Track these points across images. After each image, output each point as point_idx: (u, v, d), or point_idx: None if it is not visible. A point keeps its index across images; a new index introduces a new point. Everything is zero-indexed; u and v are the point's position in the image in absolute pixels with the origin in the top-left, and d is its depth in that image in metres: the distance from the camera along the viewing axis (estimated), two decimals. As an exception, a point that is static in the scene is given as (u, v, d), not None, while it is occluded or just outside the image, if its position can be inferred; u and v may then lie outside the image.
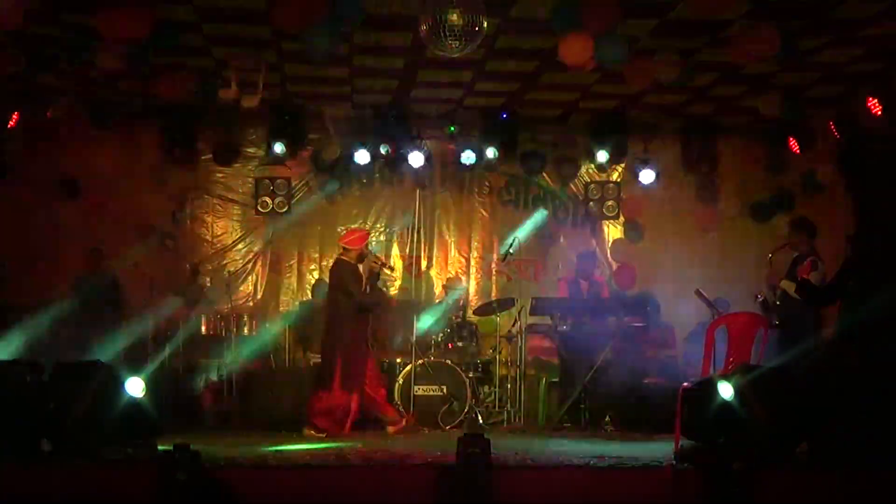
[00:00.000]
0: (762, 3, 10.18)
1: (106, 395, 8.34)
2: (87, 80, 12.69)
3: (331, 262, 14.58)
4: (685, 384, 9.56)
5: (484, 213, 15.39)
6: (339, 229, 14.99)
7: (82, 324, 12.63)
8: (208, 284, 14.34)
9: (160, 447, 8.10)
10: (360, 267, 11.94)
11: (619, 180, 15.43)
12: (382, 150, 14.40)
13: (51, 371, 8.56)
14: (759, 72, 12.25)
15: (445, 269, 15.20)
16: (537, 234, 15.15)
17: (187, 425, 11.72)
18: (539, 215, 15.19)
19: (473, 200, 15.39)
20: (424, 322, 13.25)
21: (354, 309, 11.69)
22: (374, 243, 14.56)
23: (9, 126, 13.13)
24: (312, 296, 14.13)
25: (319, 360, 12.10)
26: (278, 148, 14.24)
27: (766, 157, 15.03)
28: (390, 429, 11.66)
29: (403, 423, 11.79)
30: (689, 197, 15.35)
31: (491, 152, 14.45)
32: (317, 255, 15.10)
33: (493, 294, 14.96)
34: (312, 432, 11.23)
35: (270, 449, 9.19)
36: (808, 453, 8.29)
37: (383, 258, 13.46)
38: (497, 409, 13.19)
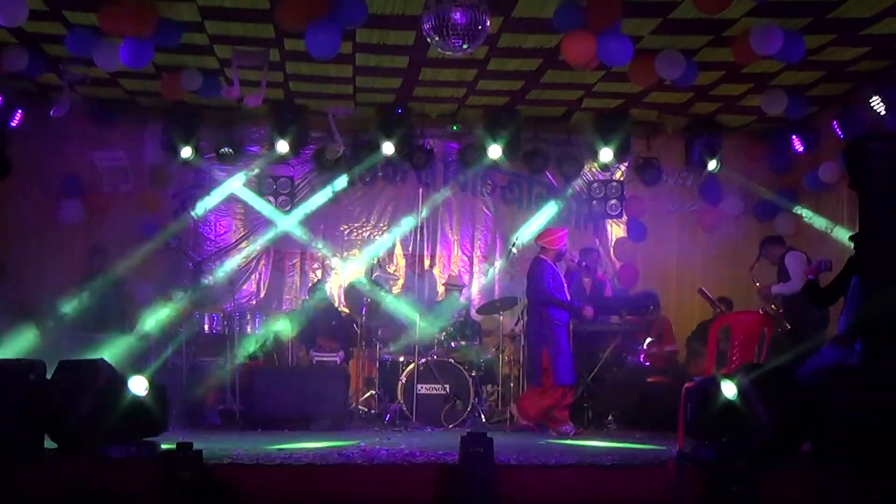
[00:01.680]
0: (765, 2, 10.17)
1: (109, 394, 8.34)
2: (90, 79, 12.70)
3: (333, 260, 14.70)
4: (688, 383, 9.56)
5: (487, 211, 15.38)
6: (341, 227, 15.02)
7: (85, 322, 12.64)
8: (211, 283, 14.34)
9: (163, 446, 8.10)
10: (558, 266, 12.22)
11: (622, 179, 15.43)
12: (385, 150, 14.39)
13: (54, 369, 8.56)
14: (763, 70, 12.25)
15: (448, 268, 15.19)
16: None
17: (190, 424, 11.75)
18: (552, 206, 15.14)
19: (476, 199, 15.38)
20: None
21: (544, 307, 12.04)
22: (376, 242, 14.58)
23: (12, 125, 13.13)
24: (310, 296, 14.11)
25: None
26: (281, 146, 14.23)
27: (770, 156, 15.03)
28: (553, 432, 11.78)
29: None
30: (693, 196, 15.34)
31: (494, 151, 14.44)
32: (320, 255, 15.09)
33: (497, 293, 14.95)
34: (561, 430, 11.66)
35: (273, 448, 9.19)
36: (812, 452, 8.29)
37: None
38: (500, 407, 13.23)
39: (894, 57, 11.86)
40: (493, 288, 15.18)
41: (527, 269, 12.50)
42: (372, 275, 13.88)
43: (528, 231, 14.68)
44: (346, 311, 14.20)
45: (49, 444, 8.32)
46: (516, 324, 13.27)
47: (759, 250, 12.41)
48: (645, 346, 13.29)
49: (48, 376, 8.46)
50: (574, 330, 12.58)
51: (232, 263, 14.78)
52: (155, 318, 12.50)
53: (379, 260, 13.75)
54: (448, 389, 12.49)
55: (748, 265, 12.27)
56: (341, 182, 14.85)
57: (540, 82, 13.16)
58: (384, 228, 15.19)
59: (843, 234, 12.78)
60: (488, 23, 9.20)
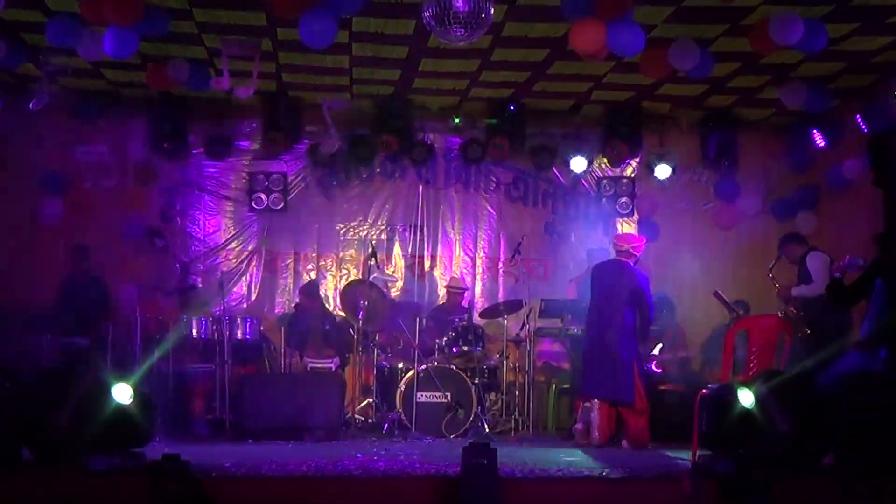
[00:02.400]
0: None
1: (91, 402, 8.34)
2: (72, 70, 12.69)
3: (329, 262, 14.70)
4: (703, 391, 9.55)
5: (490, 209, 15.37)
6: (337, 227, 15.01)
7: (66, 326, 12.63)
8: (199, 285, 14.34)
9: (149, 457, 8.09)
10: None
11: (633, 176, 15.42)
12: (384, 144, 14.39)
13: (33, 376, 8.55)
14: (782, 61, 12.24)
15: (450, 269, 15.19)
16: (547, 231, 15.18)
17: (177, 434, 11.74)
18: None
19: (480, 197, 15.37)
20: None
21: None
22: (374, 242, 14.57)
23: (-11, 118, 13.15)
24: (302, 295, 14.11)
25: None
26: (274, 141, 14.25)
27: (790, 152, 15.01)
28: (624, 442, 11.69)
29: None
30: (708, 194, 15.33)
31: (498, 146, 14.43)
32: (314, 255, 15.09)
33: (501, 296, 14.95)
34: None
35: (265, 458, 9.17)
36: (834, 464, 8.28)
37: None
38: (504, 417, 13.23)
39: (922, 47, 11.87)
40: (497, 290, 15.18)
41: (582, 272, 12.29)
42: (369, 276, 13.86)
43: (535, 228, 14.72)
44: (342, 314, 14.19)
45: (27, 455, 8.31)
46: (521, 328, 13.27)
47: (779, 249, 12.40)
48: (657, 353, 13.28)
49: (27, 383, 8.45)
50: (582, 336, 12.58)
51: (221, 264, 14.78)
52: (140, 323, 12.47)
53: (376, 261, 13.72)
54: (449, 397, 12.49)
55: (767, 266, 12.26)
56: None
57: (547, 74, 13.15)
58: (382, 227, 15.19)
59: (867, 234, 12.77)
60: (492, 10, 9.20)
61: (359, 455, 9.80)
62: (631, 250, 11.92)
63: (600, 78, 13.29)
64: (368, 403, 13.24)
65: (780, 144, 15.10)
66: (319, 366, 13.17)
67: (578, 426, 11.73)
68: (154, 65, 12.54)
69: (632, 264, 11.84)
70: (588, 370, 11.73)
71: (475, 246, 15.37)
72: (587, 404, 11.68)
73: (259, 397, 12.08)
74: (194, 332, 12.87)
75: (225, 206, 15.02)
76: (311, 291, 14.04)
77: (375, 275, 13.87)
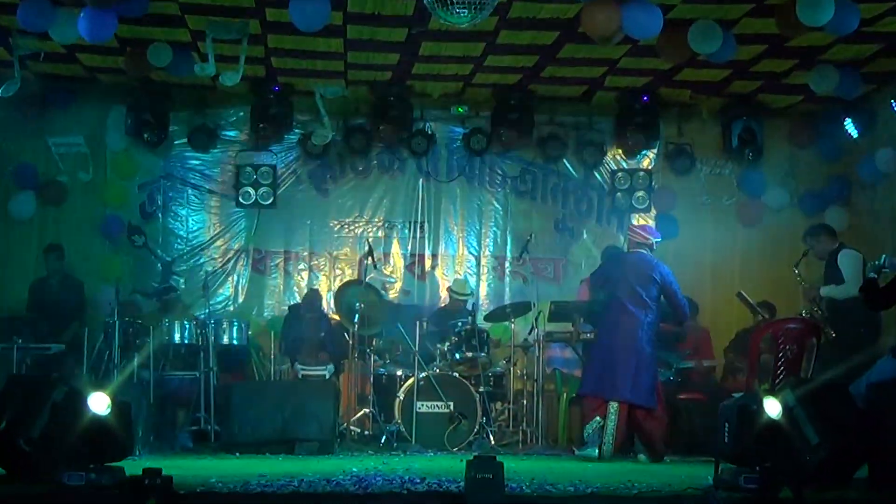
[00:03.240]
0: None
1: (66, 413, 8.31)
2: (44, 55, 12.69)
3: (322, 261, 14.68)
4: (726, 400, 9.53)
5: (496, 205, 15.35)
6: (331, 223, 14.99)
7: (39, 332, 12.63)
8: (182, 286, 14.34)
9: (128, 472, 8.08)
10: None
11: (650, 168, 15.41)
12: (381, 135, 14.39)
13: (3, 385, 8.54)
14: (811, 44, 12.22)
15: (452, 269, 15.17)
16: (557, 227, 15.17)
17: (159, 447, 11.74)
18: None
19: (484, 191, 15.35)
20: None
21: None
22: (370, 240, 14.55)
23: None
24: (303, 304, 14.13)
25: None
26: (262, 131, 14.24)
27: (819, 141, 15.01)
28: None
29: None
30: (731, 187, 15.33)
31: (504, 136, 14.42)
32: (306, 254, 15.08)
33: (507, 298, 14.94)
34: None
35: (253, 474, 9.16)
36: (869, 478, 8.26)
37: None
38: (511, 428, 13.22)
39: (960, 28, 11.85)
40: (504, 292, 15.16)
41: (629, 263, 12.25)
42: (366, 277, 13.86)
43: (545, 225, 14.73)
44: (337, 318, 14.19)
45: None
46: (529, 332, 13.26)
47: (805, 240, 12.35)
48: (679, 360, 13.27)
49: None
50: (595, 341, 12.63)
51: (206, 264, 14.77)
52: (118, 327, 12.46)
53: (373, 260, 13.71)
54: (452, 407, 12.51)
55: (794, 264, 12.26)
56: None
57: (557, 58, 13.15)
58: (379, 224, 15.19)
59: None
60: (498, -11, 9.19)
61: (354, 470, 9.79)
62: (653, 244, 11.97)
63: (614, 62, 13.29)
64: (365, 414, 13.24)
65: (808, 133, 15.10)
66: (312, 373, 13.18)
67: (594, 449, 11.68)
68: (133, 49, 12.55)
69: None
70: (607, 370, 11.72)
71: (480, 244, 15.34)
72: (599, 418, 11.67)
73: (247, 407, 12.07)
74: (177, 336, 12.89)
75: (210, 200, 15.02)
76: (313, 301, 14.02)
77: (372, 275, 13.88)
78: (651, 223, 15.27)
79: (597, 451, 11.57)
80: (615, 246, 14.27)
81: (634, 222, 15.32)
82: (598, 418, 11.66)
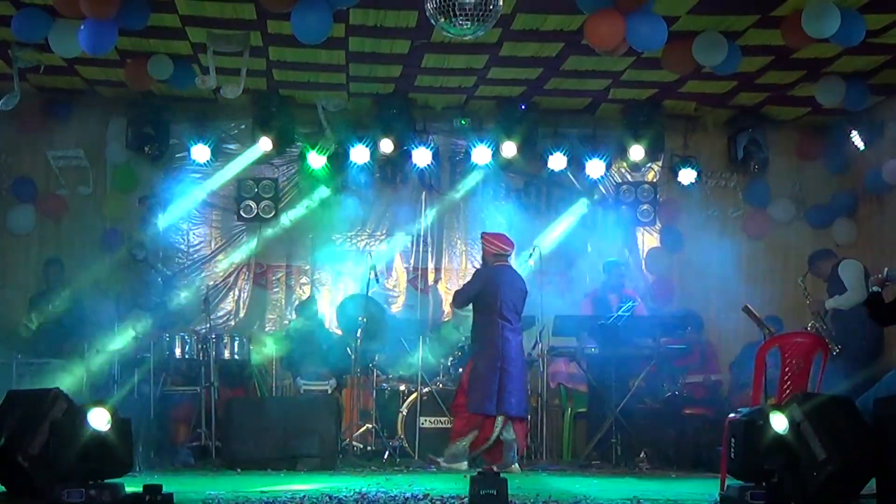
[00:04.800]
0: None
1: (65, 429, 8.31)
2: (44, 67, 12.70)
3: (324, 275, 14.68)
4: (732, 415, 9.52)
5: (500, 218, 15.33)
6: (333, 237, 14.98)
7: (38, 346, 12.63)
8: (183, 301, 14.33)
9: (128, 488, 8.07)
10: None
11: (655, 181, 15.42)
12: (383, 147, 14.39)
13: (2, 401, 8.54)
14: (817, 55, 12.23)
15: (456, 282, 15.15)
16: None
17: (159, 463, 11.73)
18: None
19: (488, 204, 15.34)
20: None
21: None
22: (373, 253, 14.55)
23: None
24: (298, 314, 14.12)
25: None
26: (263, 144, 14.24)
27: (826, 153, 15.01)
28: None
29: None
30: (736, 199, 15.33)
31: (508, 149, 14.43)
32: (308, 268, 15.07)
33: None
34: None
35: (254, 490, 9.16)
36: (876, 494, 8.25)
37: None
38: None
39: (968, 39, 11.86)
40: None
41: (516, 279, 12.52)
42: (368, 291, 13.85)
43: (551, 237, 14.71)
44: (339, 332, 14.19)
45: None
46: (533, 347, 13.24)
47: (808, 266, 12.45)
48: (685, 375, 13.27)
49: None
50: (599, 356, 12.63)
51: (207, 278, 14.76)
52: (118, 341, 12.47)
53: (376, 274, 13.69)
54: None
55: (800, 278, 12.28)
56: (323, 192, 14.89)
57: (561, 70, 13.16)
58: (382, 237, 15.18)
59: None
60: (501, 2, 9.18)
61: (357, 486, 9.79)
62: (510, 253, 12.33)
63: (619, 74, 13.29)
64: (367, 429, 13.20)
65: (814, 146, 15.11)
66: (314, 388, 13.17)
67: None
68: (133, 61, 12.56)
69: None
70: (497, 387, 11.94)
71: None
72: (476, 432, 11.98)
73: (248, 422, 12.07)
74: (178, 351, 12.87)
75: (211, 214, 15.01)
76: (307, 310, 14.02)
77: (375, 289, 13.86)
78: (656, 236, 15.29)
79: (466, 464, 11.78)
80: (616, 260, 14.25)
81: (639, 237, 15.33)
82: (475, 432, 11.92)
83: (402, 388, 12.93)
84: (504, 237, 12.85)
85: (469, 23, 9.06)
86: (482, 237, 12.76)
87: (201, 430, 12.64)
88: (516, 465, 11.89)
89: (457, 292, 12.64)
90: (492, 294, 12.06)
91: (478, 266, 15.14)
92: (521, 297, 12.30)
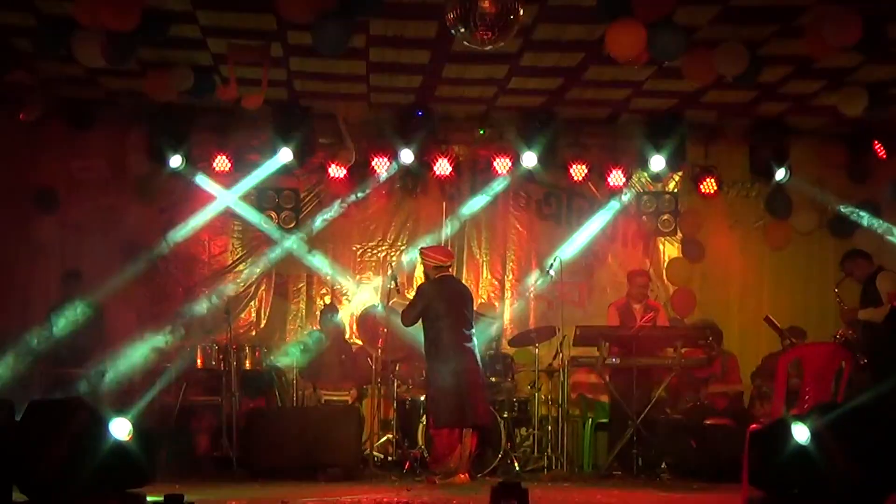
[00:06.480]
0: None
1: (87, 438, 8.34)
2: (66, 78, 12.77)
3: (345, 286, 14.71)
4: (753, 425, 9.51)
5: (520, 228, 15.35)
6: (353, 247, 15.01)
7: (60, 356, 12.67)
8: (204, 311, 14.36)
9: (149, 498, 8.10)
10: None
11: (676, 191, 15.41)
12: (404, 158, 14.41)
13: (24, 410, 8.57)
14: (839, 65, 12.21)
15: (476, 293, 15.14)
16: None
17: (180, 473, 11.76)
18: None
19: (508, 214, 15.35)
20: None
21: None
22: (393, 264, 14.57)
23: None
24: (321, 324, 14.15)
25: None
26: (284, 154, 14.27)
27: (848, 164, 14.97)
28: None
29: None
30: (758, 210, 15.30)
31: (528, 159, 14.43)
32: (329, 278, 15.08)
33: (532, 322, 14.91)
34: None
35: (276, 499, 9.19)
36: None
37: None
38: (536, 454, 13.19)
39: None
40: (528, 316, 15.13)
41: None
42: (389, 301, 13.87)
43: (570, 249, 14.71)
44: (360, 342, 14.21)
45: (18, 496, 8.34)
46: (554, 357, 13.23)
47: (843, 266, 12.38)
48: (706, 385, 13.25)
49: (17, 418, 8.47)
50: (621, 366, 12.62)
51: (228, 288, 14.79)
52: (140, 352, 12.52)
53: (397, 284, 13.70)
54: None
55: (824, 288, 12.25)
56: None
57: (581, 80, 13.16)
58: (402, 248, 15.20)
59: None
60: (521, 12, 9.20)
61: (377, 496, 9.80)
62: (451, 266, 12.45)
63: (640, 84, 13.29)
64: (388, 439, 13.24)
65: (836, 155, 15.05)
66: (335, 398, 13.20)
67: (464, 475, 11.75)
68: (154, 72, 12.60)
69: None
70: (461, 400, 11.75)
71: (504, 268, 15.33)
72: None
73: (269, 433, 12.10)
74: (199, 361, 12.90)
75: (232, 225, 15.04)
76: (328, 320, 14.04)
77: (395, 299, 13.87)
78: (677, 246, 15.27)
79: (466, 475, 11.71)
80: (639, 270, 14.22)
81: (660, 247, 15.31)
82: (458, 447, 11.83)
83: (423, 398, 12.92)
84: (442, 249, 13.02)
85: (489, 33, 9.09)
86: (420, 252, 12.62)
87: (222, 441, 12.65)
88: (466, 474, 11.74)
89: (404, 311, 12.35)
90: (439, 306, 11.97)
91: (498, 277, 15.22)
92: (469, 305, 12.27)
